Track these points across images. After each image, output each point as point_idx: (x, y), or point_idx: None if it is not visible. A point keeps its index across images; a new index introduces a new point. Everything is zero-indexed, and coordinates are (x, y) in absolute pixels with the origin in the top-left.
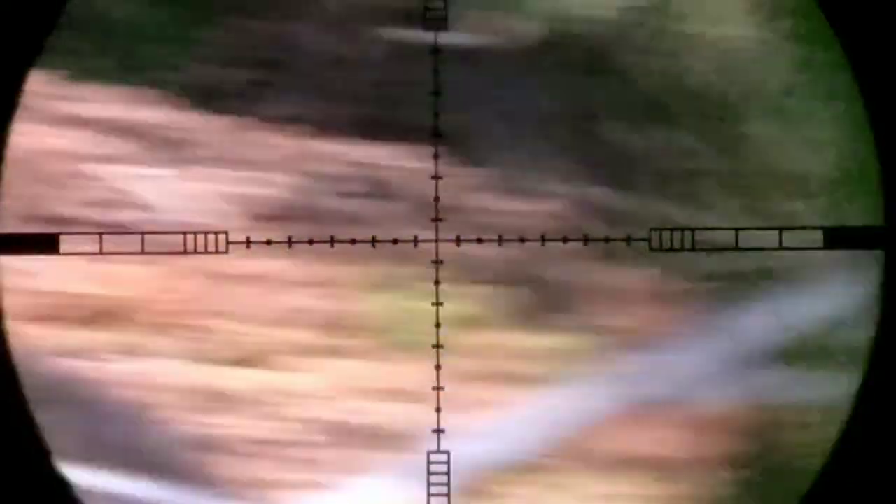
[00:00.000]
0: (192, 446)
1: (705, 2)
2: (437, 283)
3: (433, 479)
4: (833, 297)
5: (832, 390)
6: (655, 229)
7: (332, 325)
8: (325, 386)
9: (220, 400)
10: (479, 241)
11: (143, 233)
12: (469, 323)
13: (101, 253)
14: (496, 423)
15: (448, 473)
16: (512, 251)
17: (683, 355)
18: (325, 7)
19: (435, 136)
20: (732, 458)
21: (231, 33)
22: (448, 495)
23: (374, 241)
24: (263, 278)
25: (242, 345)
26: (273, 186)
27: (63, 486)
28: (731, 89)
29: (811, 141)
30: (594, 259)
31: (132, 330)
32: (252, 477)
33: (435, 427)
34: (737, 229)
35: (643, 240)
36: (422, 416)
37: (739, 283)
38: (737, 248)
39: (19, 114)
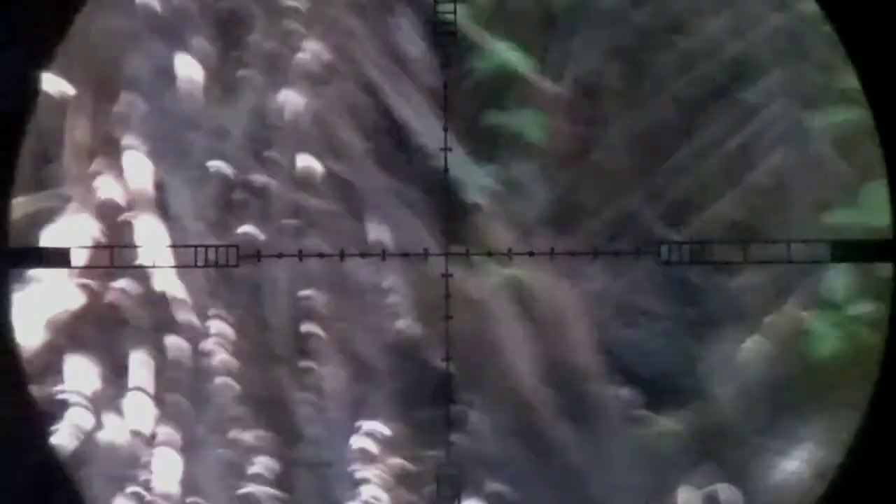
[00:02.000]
0: None
1: None
2: (447, 296)
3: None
4: None
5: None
6: (665, 242)
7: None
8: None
9: None
10: (490, 254)
11: (156, 247)
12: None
13: (112, 266)
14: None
15: (458, 486)
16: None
17: None
18: None
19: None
20: None
21: None
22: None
23: (384, 255)
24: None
25: None
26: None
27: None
28: None
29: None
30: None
31: None
32: None
33: (446, 438)
34: (745, 242)
35: (653, 253)
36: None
37: None
38: (745, 262)
39: None
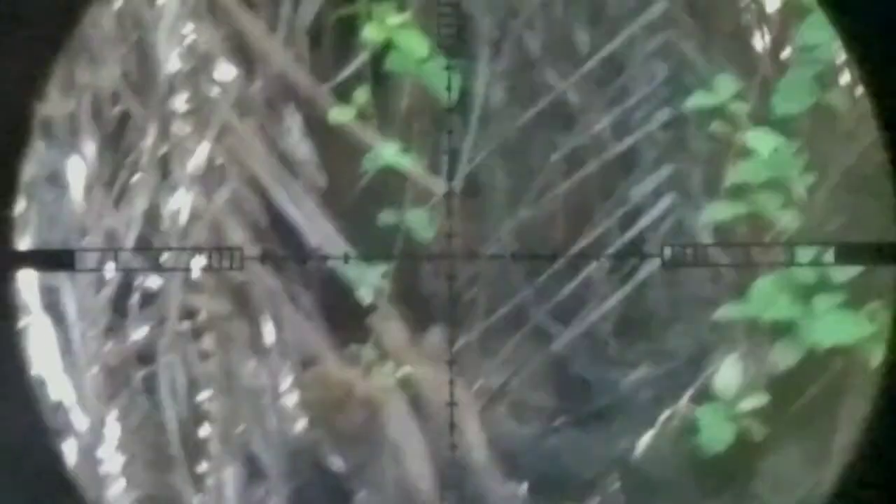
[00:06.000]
0: None
1: None
2: (450, 298)
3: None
4: None
5: None
6: (667, 245)
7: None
8: None
9: None
10: (492, 256)
11: (160, 248)
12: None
13: (117, 270)
14: None
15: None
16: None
17: None
18: None
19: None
20: None
21: None
22: None
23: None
24: None
25: None
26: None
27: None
28: None
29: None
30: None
31: None
32: None
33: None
34: (748, 245)
35: (655, 256)
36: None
37: None
38: (748, 264)
39: None
